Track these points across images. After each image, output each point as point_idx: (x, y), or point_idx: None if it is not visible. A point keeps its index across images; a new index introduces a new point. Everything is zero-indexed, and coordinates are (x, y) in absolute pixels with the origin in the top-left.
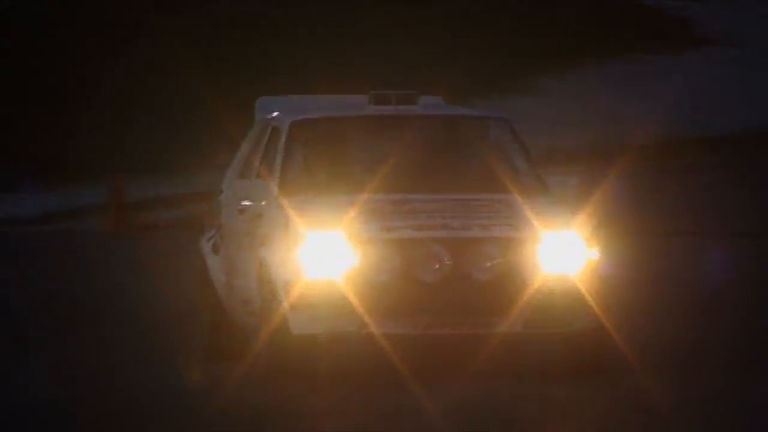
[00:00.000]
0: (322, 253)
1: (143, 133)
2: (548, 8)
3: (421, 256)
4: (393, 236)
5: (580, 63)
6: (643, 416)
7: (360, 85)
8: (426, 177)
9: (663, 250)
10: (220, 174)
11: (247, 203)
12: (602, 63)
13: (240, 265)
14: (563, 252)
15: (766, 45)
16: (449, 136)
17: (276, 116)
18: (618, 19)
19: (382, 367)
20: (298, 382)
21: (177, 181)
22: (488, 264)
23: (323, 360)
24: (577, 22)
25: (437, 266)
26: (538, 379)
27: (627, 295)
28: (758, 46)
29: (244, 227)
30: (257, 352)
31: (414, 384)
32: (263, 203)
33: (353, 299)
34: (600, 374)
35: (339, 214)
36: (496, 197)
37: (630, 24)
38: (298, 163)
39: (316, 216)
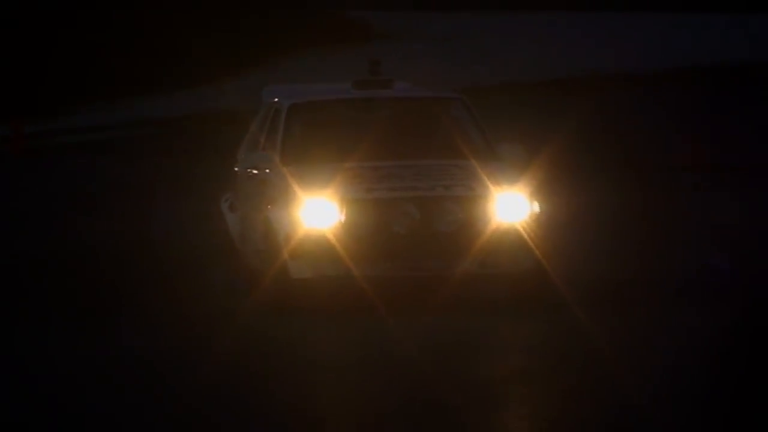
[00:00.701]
0: (314, 212)
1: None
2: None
3: (395, 213)
4: (372, 196)
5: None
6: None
7: None
8: (398, 147)
9: None
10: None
11: (255, 171)
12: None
13: (251, 221)
14: (511, 207)
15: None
16: (417, 113)
17: (278, 100)
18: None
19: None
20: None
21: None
22: (450, 218)
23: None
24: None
25: (408, 220)
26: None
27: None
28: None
29: (253, 191)
30: (264, 291)
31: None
32: (267, 171)
33: (340, 249)
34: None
35: (328, 179)
36: (455, 163)
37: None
38: (296, 138)
39: (310, 181)
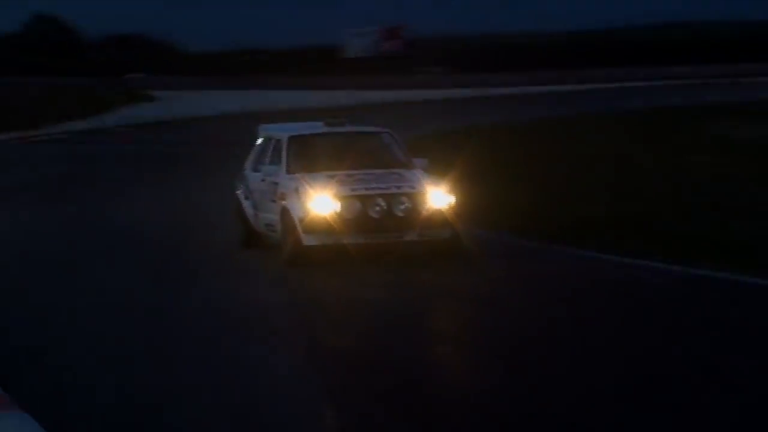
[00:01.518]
0: (319, 203)
1: None
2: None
3: (370, 203)
4: (355, 193)
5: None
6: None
7: None
8: (358, 161)
9: None
10: None
11: (266, 177)
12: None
13: (264, 206)
14: (438, 199)
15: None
16: (365, 141)
17: (277, 134)
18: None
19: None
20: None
21: None
22: (402, 206)
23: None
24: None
25: (378, 208)
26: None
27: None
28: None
29: (266, 188)
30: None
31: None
32: (277, 177)
33: (335, 226)
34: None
35: (322, 182)
36: (396, 171)
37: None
38: (294, 156)
39: (313, 184)
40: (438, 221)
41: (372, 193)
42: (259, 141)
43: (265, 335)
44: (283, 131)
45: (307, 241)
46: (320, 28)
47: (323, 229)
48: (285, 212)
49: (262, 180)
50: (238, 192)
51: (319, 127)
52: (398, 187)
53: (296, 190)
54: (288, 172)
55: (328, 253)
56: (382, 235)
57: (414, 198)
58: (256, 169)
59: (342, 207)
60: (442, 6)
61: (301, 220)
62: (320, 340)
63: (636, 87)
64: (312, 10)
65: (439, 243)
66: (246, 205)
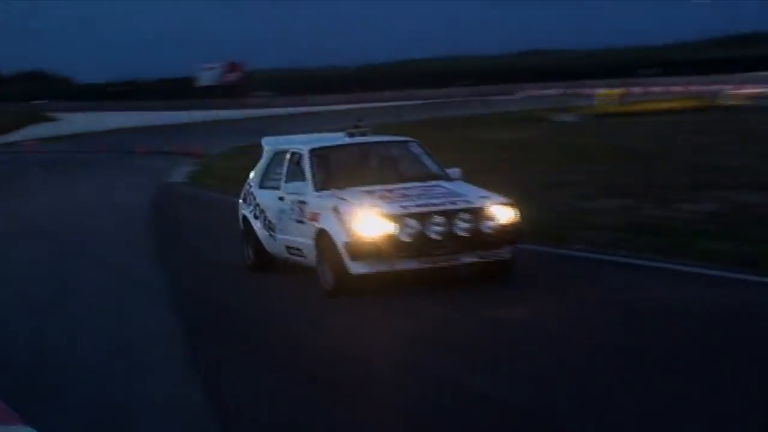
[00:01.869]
0: (368, 225)
1: None
2: None
3: (428, 222)
4: (409, 211)
5: None
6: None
7: None
8: (393, 175)
9: None
10: None
11: (287, 194)
12: None
13: (285, 227)
14: (499, 213)
15: None
16: (392, 151)
17: (293, 147)
18: None
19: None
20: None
21: None
22: (463, 224)
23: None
24: None
25: (437, 227)
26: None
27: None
28: None
29: (288, 207)
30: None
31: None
32: (304, 195)
33: (388, 250)
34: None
35: (365, 200)
36: (436, 183)
37: None
38: (320, 172)
39: (354, 202)
40: (500, 239)
41: (428, 210)
42: (266, 155)
43: None
44: (299, 144)
45: (356, 268)
46: (179, 63)
47: (374, 254)
48: (323, 235)
49: (280, 198)
50: (244, 212)
51: (340, 138)
52: (453, 203)
53: (335, 210)
54: (316, 189)
55: (379, 282)
56: (440, 259)
57: (475, 214)
58: (265, 186)
59: (397, 228)
60: (273, 45)
61: (348, 245)
62: None
63: (414, 104)
64: (173, 48)
65: (499, 264)
66: (256, 225)
